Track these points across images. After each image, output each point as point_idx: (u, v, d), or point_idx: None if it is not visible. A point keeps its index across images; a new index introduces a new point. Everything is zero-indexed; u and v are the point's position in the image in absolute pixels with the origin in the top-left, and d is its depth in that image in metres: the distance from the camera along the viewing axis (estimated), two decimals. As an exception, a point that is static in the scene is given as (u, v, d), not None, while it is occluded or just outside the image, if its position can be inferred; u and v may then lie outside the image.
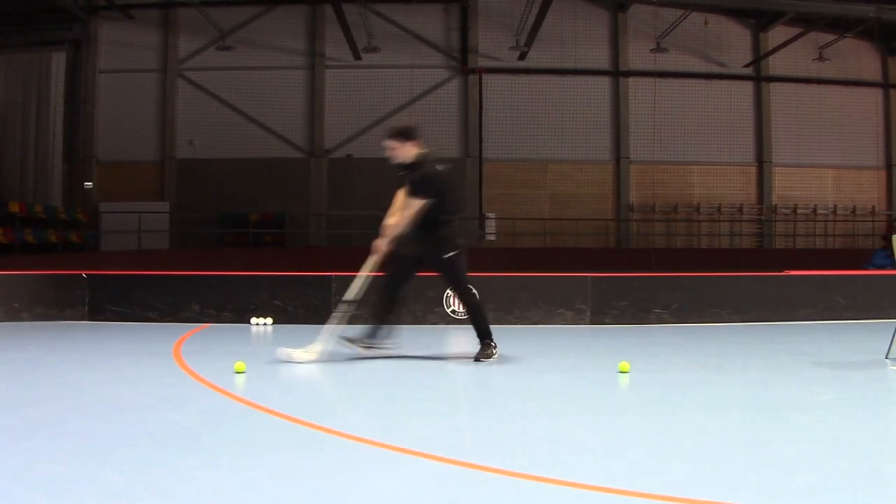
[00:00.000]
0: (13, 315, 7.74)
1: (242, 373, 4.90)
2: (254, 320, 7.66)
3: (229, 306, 7.76)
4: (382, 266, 5.56)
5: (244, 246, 22.13)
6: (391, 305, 5.61)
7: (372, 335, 5.58)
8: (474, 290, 5.74)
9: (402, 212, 5.34)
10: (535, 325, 7.73)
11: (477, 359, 5.48)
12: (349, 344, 5.52)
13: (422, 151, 5.39)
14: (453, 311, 7.78)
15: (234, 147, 23.01)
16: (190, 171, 23.14)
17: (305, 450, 3.26)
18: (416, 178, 5.27)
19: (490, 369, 5.26)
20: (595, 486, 2.72)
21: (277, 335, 7.18)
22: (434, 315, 7.78)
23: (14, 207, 18.43)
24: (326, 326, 5.25)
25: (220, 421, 3.76)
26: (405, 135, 5.33)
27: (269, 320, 7.71)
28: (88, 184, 22.95)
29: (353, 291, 5.45)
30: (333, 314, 5.47)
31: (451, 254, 5.45)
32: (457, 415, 3.96)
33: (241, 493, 2.65)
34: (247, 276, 8.29)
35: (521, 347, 6.39)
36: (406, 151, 5.32)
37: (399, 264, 5.56)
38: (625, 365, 5.04)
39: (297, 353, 5.21)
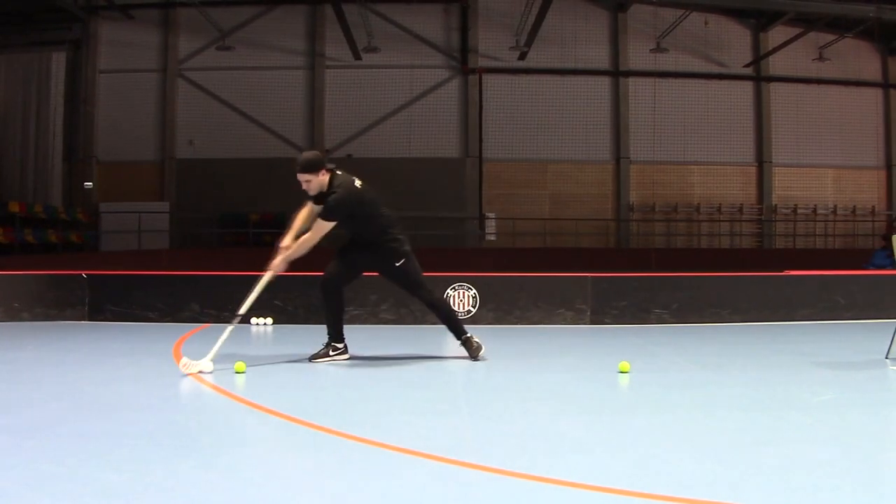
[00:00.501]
0: (13, 315, 7.74)
1: (242, 373, 4.90)
2: (254, 320, 7.65)
3: (229, 306, 7.72)
4: (334, 259, 5.52)
5: (244, 246, 22.13)
6: (341, 303, 5.57)
7: (336, 339, 5.53)
8: (434, 291, 5.75)
9: (309, 232, 5.30)
10: (535, 325, 7.73)
11: (474, 358, 5.47)
12: (320, 360, 5.45)
13: (334, 176, 5.33)
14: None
15: (234, 147, 23.03)
16: (190, 171, 23.15)
17: (305, 450, 3.26)
18: (327, 202, 5.22)
19: (490, 369, 5.26)
20: (595, 486, 2.72)
21: (277, 335, 7.18)
22: (434, 315, 7.76)
23: (14, 207, 18.44)
24: (219, 340, 5.13)
25: (220, 421, 3.76)
26: (314, 167, 5.25)
27: (269, 320, 7.70)
28: (88, 184, 22.95)
29: (245, 306, 5.34)
30: (226, 327, 5.29)
31: (398, 263, 5.44)
32: (457, 415, 3.96)
33: (241, 493, 2.65)
34: (247, 276, 8.27)
35: (521, 347, 6.39)
36: (320, 182, 5.28)
37: (347, 265, 5.53)
38: (625, 365, 5.04)
39: (192, 365, 4.91)
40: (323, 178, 5.30)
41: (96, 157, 23.14)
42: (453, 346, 5.63)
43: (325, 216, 5.24)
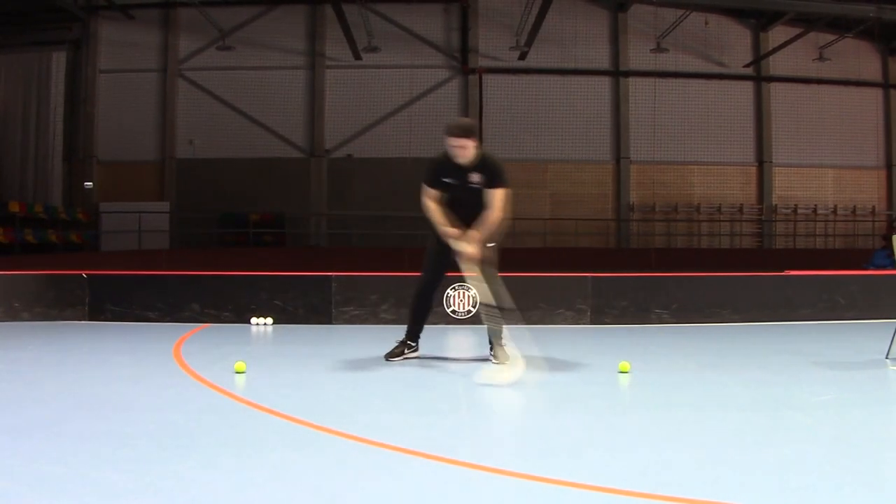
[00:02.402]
0: (13, 315, 7.74)
1: (242, 373, 4.90)
2: (254, 320, 7.66)
3: (229, 306, 7.76)
4: (425, 261, 5.41)
5: (244, 246, 22.14)
6: (428, 305, 5.56)
7: (413, 337, 5.53)
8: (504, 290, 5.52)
9: (494, 208, 5.12)
10: (535, 325, 7.73)
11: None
12: (395, 359, 5.43)
13: (481, 149, 5.23)
14: (453, 312, 7.78)
15: (234, 147, 23.03)
16: (190, 171, 23.14)
17: (305, 450, 3.26)
18: (494, 168, 5.13)
19: (490, 369, 5.26)
20: (595, 486, 2.72)
21: (277, 335, 7.18)
22: (434, 315, 7.75)
23: (14, 207, 18.45)
24: (497, 335, 5.06)
25: (220, 421, 3.76)
26: (472, 132, 5.13)
27: (270, 320, 7.71)
28: (88, 184, 22.96)
29: (490, 298, 5.15)
30: (495, 322, 5.17)
31: (492, 245, 5.28)
32: (457, 415, 3.96)
33: (241, 493, 2.65)
34: (247, 276, 8.29)
35: (521, 347, 6.38)
36: (473, 149, 5.15)
37: (441, 263, 5.42)
38: (625, 365, 5.04)
39: (506, 374, 4.82)
40: (476, 146, 5.16)
41: (96, 157, 23.14)
42: (454, 346, 5.63)
43: (504, 184, 5.14)
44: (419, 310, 5.58)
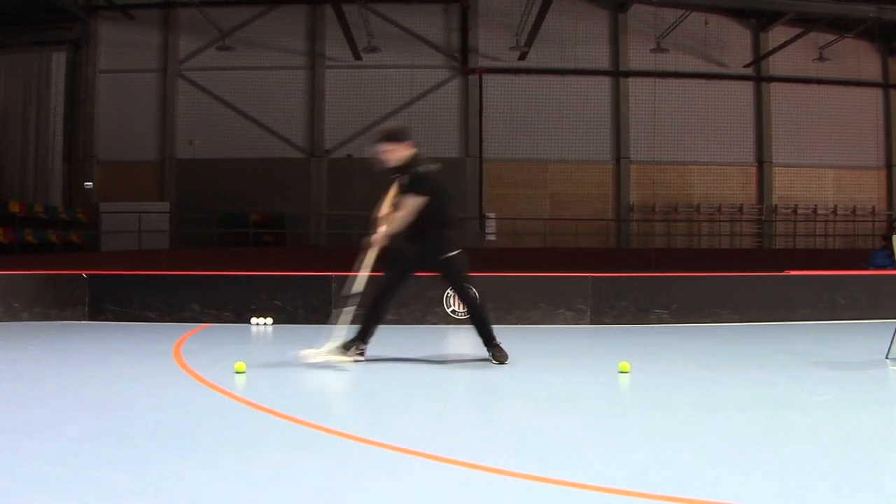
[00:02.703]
0: (13, 315, 7.74)
1: (242, 373, 4.90)
2: (254, 320, 7.66)
3: (229, 306, 7.76)
4: (382, 267, 5.50)
5: (244, 246, 22.14)
6: (384, 308, 5.53)
7: (363, 338, 5.49)
8: (475, 291, 5.62)
9: (399, 211, 5.25)
10: (535, 325, 7.73)
11: (500, 361, 5.40)
12: (337, 355, 5.43)
13: (414, 152, 5.31)
14: (453, 311, 7.78)
15: (234, 147, 23.03)
16: (190, 171, 23.15)
17: (305, 450, 3.26)
18: (411, 177, 5.20)
19: (490, 369, 5.26)
20: (595, 486, 2.72)
21: (277, 335, 7.18)
22: (434, 315, 7.78)
23: (14, 207, 18.44)
24: (337, 326, 5.17)
25: (220, 421, 3.76)
26: (398, 137, 5.25)
27: (269, 320, 7.71)
28: (88, 184, 22.96)
29: (354, 287, 5.36)
30: (338, 312, 5.36)
31: (451, 254, 5.38)
32: (457, 415, 3.96)
33: (241, 493, 2.65)
34: (247, 276, 8.29)
35: (522, 347, 6.39)
36: (400, 153, 5.24)
37: (398, 267, 5.49)
38: (625, 365, 5.04)
39: (314, 353, 5.07)
40: (405, 151, 5.24)
41: (96, 157, 23.14)
42: (454, 346, 5.63)
43: (416, 189, 5.17)
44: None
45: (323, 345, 5.10)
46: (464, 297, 5.52)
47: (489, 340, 5.47)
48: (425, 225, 5.31)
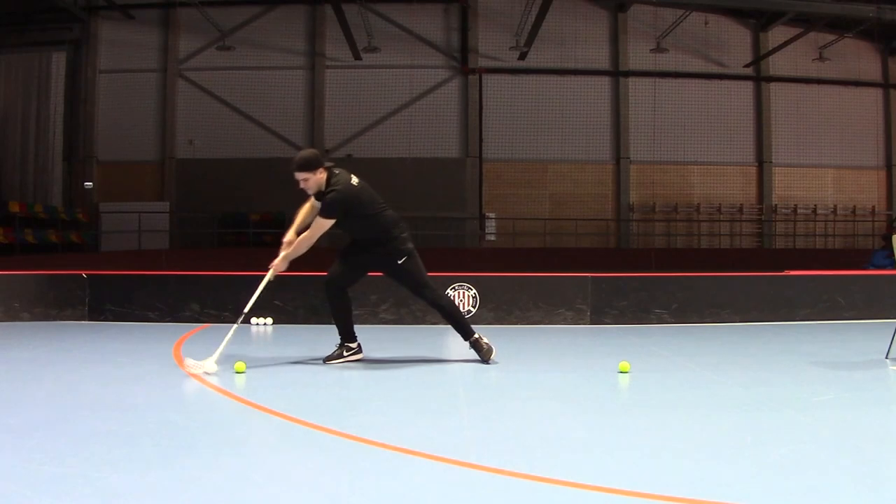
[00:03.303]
0: (13, 315, 7.74)
1: (242, 373, 4.90)
2: (254, 320, 7.65)
3: (229, 306, 7.75)
4: (338, 262, 5.48)
5: (244, 246, 22.15)
6: (346, 304, 5.52)
7: (349, 339, 5.48)
8: (438, 291, 5.58)
9: (308, 230, 5.27)
10: (535, 325, 7.73)
11: (486, 361, 5.39)
12: (334, 361, 5.42)
13: (331, 174, 5.28)
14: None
15: (234, 147, 23.04)
16: (190, 171, 23.16)
17: (305, 450, 3.26)
18: (325, 199, 5.19)
19: (490, 369, 5.26)
20: (595, 486, 2.72)
21: (277, 335, 7.18)
22: (434, 315, 7.76)
23: (14, 207, 18.45)
24: (223, 341, 5.13)
25: (220, 421, 3.76)
26: (311, 165, 5.21)
27: (270, 320, 7.70)
28: (88, 184, 22.97)
29: (248, 305, 5.37)
30: (230, 327, 5.32)
31: (400, 261, 5.35)
32: (457, 415, 3.96)
33: (241, 493, 2.65)
34: (247, 276, 8.28)
35: (522, 347, 6.39)
36: (317, 180, 5.23)
37: (349, 265, 5.48)
38: (625, 365, 5.04)
39: (196, 366, 4.94)
40: (320, 176, 5.24)
41: (96, 157, 23.16)
42: (454, 346, 5.63)
43: (322, 214, 5.19)
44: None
45: (211, 355, 5.01)
46: (430, 300, 5.49)
47: (468, 336, 5.44)
48: (365, 239, 5.38)
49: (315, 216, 5.29)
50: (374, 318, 7.71)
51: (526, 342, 6.67)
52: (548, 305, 7.85)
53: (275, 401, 4.12)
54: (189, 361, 4.97)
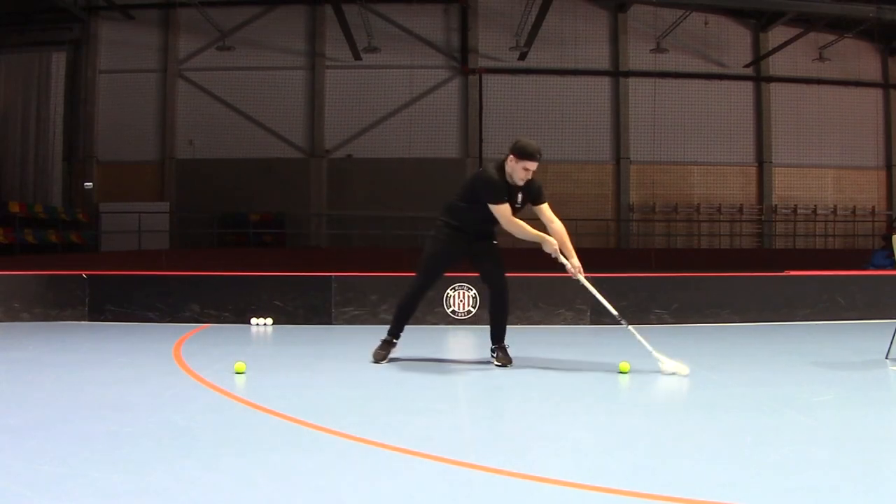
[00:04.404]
0: (13, 315, 7.74)
1: (242, 373, 4.90)
2: (254, 320, 7.65)
3: (229, 306, 7.76)
4: (435, 268, 5.43)
5: (244, 246, 22.16)
6: (417, 303, 5.49)
7: (396, 333, 5.45)
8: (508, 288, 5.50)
9: (557, 221, 5.26)
10: (535, 325, 7.73)
11: (502, 363, 5.31)
12: (382, 354, 5.38)
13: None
14: (453, 312, 7.78)
15: (234, 147, 23.04)
16: (190, 171, 23.16)
17: (305, 450, 3.25)
18: (540, 189, 5.25)
19: (490, 370, 5.26)
20: (595, 486, 2.72)
21: (277, 335, 7.18)
22: (434, 315, 7.77)
23: (14, 208, 18.45)
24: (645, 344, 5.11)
25: (220, 421, 3.76)
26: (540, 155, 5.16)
27: (269, 320, 7.70)
28: (88, 184, 22.97)
29: (609, 306, 5.33)
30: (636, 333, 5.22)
31: (496, 242, 5.38)
32: (457, 415, 3.96)
33: (241, 493, 2.65)
34: (247, 277, 8.29)
35: (522, 348, 6.38)
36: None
37: (444, 262, 5.44)
38: (625, 365, 5.04)
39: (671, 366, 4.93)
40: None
41: (96, 158, 23.16)
42: (454, 346, 5.62)
43: (546, 200, 5.26)
44: (406, 311, 5.51)
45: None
46: (504, 288, 5.42)
47: (500, 340, 5.41)
48: (489, 229, 5.36)
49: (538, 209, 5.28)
50: (373, 319, 7.71)
51: (526, 342, 6.67)
52: (548, 305, 7.86)
53: (275, 401, 4.12)
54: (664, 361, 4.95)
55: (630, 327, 5.22)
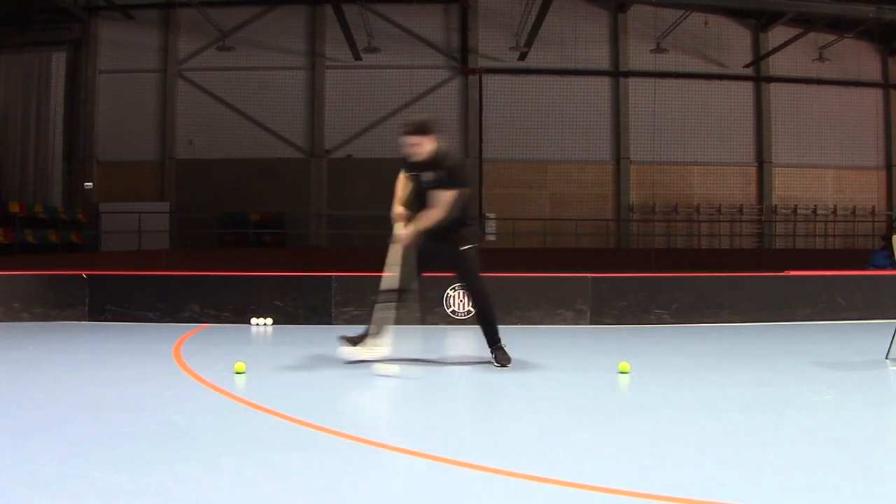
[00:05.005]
0: (13, 315, 7.74)
1: (242, 373, 4.90)
2: (254, 320, 7.65)
3: (229, 306, 7.76)
4: (402, 261, 5.36)
5: (244, 246, 22.16)
6: (397, 304, 5.48)
7: (374, 335, 5.45)
8: (486, 288, 5.51)
9: (433, 207, 5.11)
10: (535, 325, 7.73)
11: (502, 364, 5.30)
12: (347, 344, 5.39)
13: (438, 145, 5.20)
14: (453, 312, 7.78)
15: (234, 147, 23.04)
16: (190, 171, 23.16)
17: (305, 450, 3.26)
18: (448, 170, 5.07)
19: (489, 370, 5.26)
20: (595, 486, 2.72)
21: (277, 335, 7.18)
22: (434, 315, 7.77)
23: (14, 208, 18.44)
24: (377, 323, 5.09)
25: (220, 421, 3.76)
26: (426, 129, 5.12)
27: (269, 320, 7.70)
28: (88, 184, 22.96)
29: (385, 284, 5.23)
30: (380, 308, 5.19)
31: (469, 246, 5.30)
32: (456, 415, 3.96)
33: (241, 493, 2.66)
34: (247, 277, 8.28)
35: (522, 348, 6.39)
36: (428, 146, 5.14)
37: (414, 261, 5.39)
38: (625, 365, 5.04)
39: (364, 353, 4.97)
40: (432, 145, 5.14)
41: (96, 158, 23.15)
42: (454, 346, 5.62)
43: (453, 182, 5.07)
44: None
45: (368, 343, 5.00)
46: (476, 293, 5.42)
47: (494, 342, 5.42)
48: (453, 217, 5.21)
49: (429, 192, 5.12)
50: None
51: (526, 343, 6.67)
52: (548, 306, 7.85)
53: (274, 401, 4.12)
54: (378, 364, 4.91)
55: (382, 305, 5.14)
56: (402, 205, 5.28)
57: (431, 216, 5.11)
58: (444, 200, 5.08)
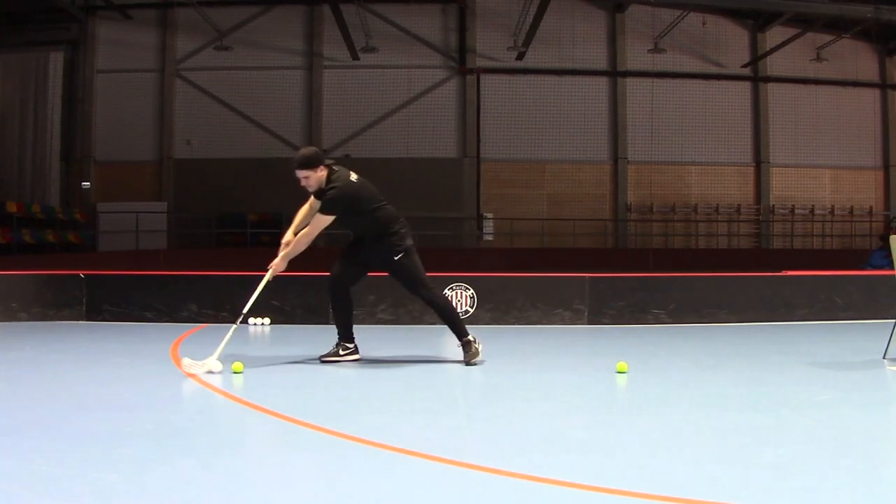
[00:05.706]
0: (11, 315, 7.73)
1: (240, 373, 4.90)
2: (252, 320, 7.65)
3: (227, 306, 7.75)
4: (340, 260, 5.47)
5: (242, 246, 22.14)
6: (348, 303, 5.49)
7: (346, 339, 5.47)
8: (435, 290, 5.58)
9: (307, 227, 5.27)
10: (532, 325, 7.73)
11: (467, 363, 5.34)
12: (330, 359, 5.41)
13: (331, 171, 5.29)
14: (451, 312, 7.77)
15: (231, 147, 23.03)
16: (188, 171, 23.14)
17: (305, 450, 3.25)
18: (325, 196, 5.19)
19: (489, 370, 5.26)
20: (595, 486, 2.72)
21: (275, 335, 7.17)
22: (432, 315, 7.75)
23: (12, 207, 18.41)
24: (223, 340, 5.10)
25: (219, 421, 3.75)
26: (312, 162, 5.23)
27: (267, 320, 7.70)
28: (86, 184, 22.94)
29: (248, 305, 5.34)
30: (230, 327, 5.30)
31: (397, 257, 5.33)
32: (456, 415, 3.96)
33: (239, 493, 2.65)
34: (245, 277, 8.27)
35: (520, 348, 6.39)
36: (318, 178, 5.24)
37: (351, 264, 5.47)
38: (623, 365, 5.04)
39: (196, 365, 4.90)
40: (321, 174, 5.26)
41: (94, 157, 23.13)
42: (452, 346, 5.62)
43: (322, 210, 5.21)
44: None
45: (211, 354, 4.99)
46: (425, 298, 5.48)
47: (462, 336, 5.38)
48: (366, 236, 5.39)
49: (314, 215, 5.29)
50: (371, 318, 7.71)
51: (524, 343, 6.67)
52: (545, 306, 7.86)
53: (273, 401, 4.12)
54: (187, 361, 4.96)
55: (235, 326, 5.27)
56: (294, 233, 5.40)
57: (298, 240, 5.28)
58: (312, 223, 5.26)
